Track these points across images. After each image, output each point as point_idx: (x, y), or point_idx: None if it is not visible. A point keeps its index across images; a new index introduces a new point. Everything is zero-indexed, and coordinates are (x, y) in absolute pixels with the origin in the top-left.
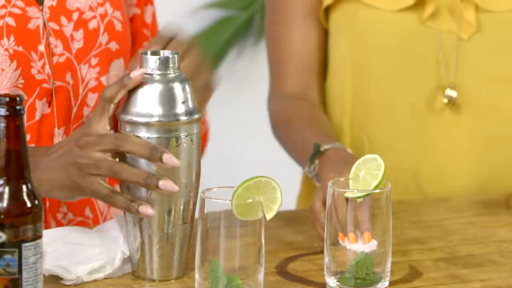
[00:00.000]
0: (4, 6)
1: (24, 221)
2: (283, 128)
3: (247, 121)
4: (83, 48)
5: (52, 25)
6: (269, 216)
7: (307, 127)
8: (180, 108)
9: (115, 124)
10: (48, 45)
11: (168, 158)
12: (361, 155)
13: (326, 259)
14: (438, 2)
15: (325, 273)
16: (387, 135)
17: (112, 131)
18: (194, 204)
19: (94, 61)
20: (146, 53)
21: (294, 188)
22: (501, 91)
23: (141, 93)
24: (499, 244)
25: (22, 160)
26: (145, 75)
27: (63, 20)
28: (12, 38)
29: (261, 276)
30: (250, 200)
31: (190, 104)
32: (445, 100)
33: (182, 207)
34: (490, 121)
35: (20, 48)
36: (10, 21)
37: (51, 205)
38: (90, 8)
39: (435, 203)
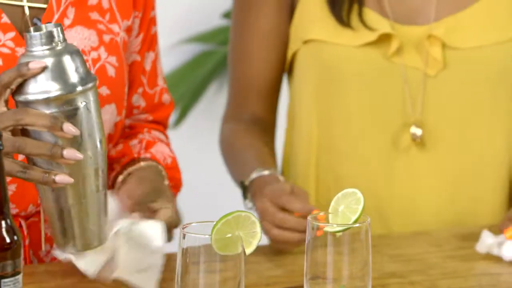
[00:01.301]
0: None
1: (3, 257)
2: (228, 156)
3: None
4: None
5: None
6: (248, 250)
7: (243, 156)
8: (73, 79)
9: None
10: None
11: (69, 127)
12: (328, 196)
13: None
14: (404, 38)
15: None
16: (354, 174)
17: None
18: (104, 171)
19: None
20: (29, 31)
21: None
22: (467, 128)
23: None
24: (479, 277)
25: (1, 195)
26: (34, 53)
27: None
28: None
29: None
30: (229, 235)
31: (82, 73)
32: (411, 138)
33: (91, 175)
34: (457, 158)
35: None
36: None
37: (31, 243)
38: (82, 52)
39: (414, 237)
